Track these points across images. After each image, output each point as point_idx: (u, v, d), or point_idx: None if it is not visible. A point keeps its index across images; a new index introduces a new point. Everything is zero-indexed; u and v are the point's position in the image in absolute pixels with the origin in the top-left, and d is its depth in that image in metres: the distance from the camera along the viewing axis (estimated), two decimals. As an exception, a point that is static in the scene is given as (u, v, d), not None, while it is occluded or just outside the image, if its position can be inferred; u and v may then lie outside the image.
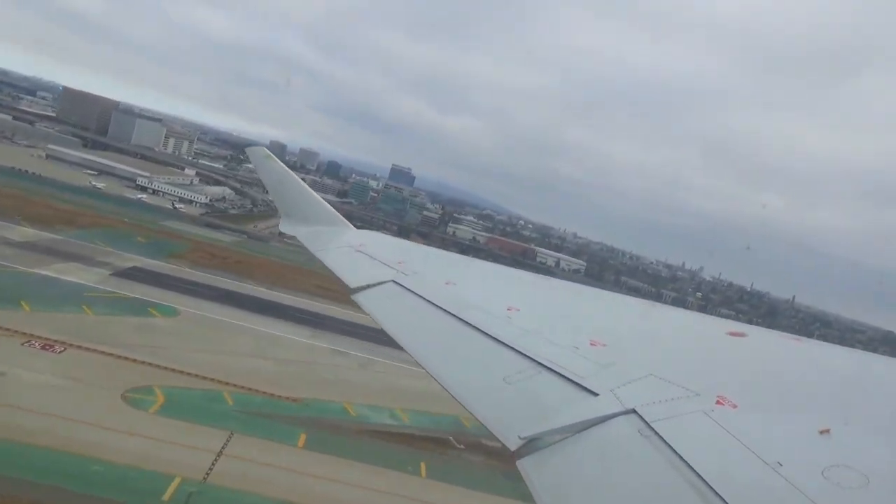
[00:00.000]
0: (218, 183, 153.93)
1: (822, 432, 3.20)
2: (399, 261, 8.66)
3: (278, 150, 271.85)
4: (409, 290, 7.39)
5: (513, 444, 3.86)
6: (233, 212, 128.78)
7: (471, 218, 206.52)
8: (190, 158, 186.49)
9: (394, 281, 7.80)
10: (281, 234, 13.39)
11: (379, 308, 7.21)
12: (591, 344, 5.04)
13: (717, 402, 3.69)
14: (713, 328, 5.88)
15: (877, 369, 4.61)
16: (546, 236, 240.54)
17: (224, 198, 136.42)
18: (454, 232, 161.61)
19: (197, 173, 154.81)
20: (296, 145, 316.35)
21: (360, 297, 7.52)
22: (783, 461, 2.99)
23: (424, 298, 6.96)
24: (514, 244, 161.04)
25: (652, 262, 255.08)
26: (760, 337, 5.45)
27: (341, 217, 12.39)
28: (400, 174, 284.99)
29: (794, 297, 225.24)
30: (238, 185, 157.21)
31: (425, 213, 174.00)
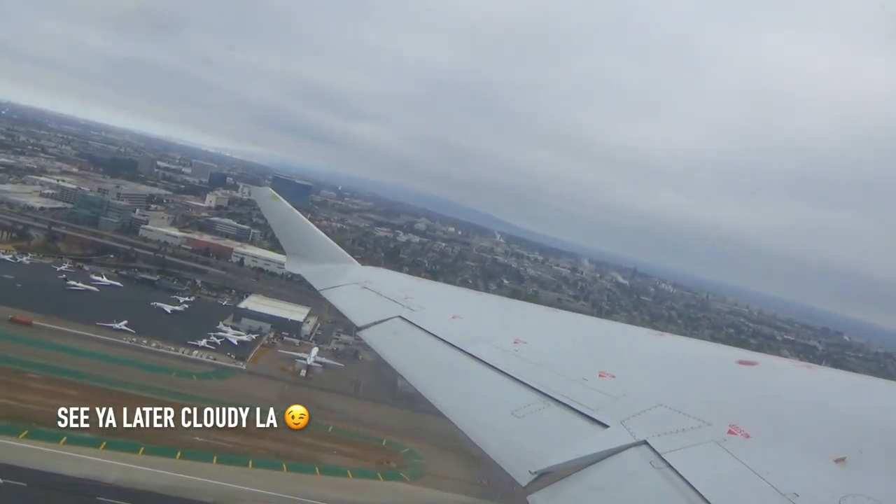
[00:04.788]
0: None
1: (837, 461, 3.14)
2: (405, 296, 8.60)
3: (149, 163, 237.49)
4: (415, 325, 7.40)
5: (523, 479, 3.82)
6: None
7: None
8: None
9: (400, 317, 7.76)
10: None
11: (385, 344, 7.23)
12: (600, 375, 4.97)
13: (730, 432, 3.60)
14: (722, 357, 5.82)
15: (891, 396, 4.53)
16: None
17: None
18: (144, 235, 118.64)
19: None
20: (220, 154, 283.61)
21: (366, 335, 7.57)
22: (799, 492, 2.92)
23: (431, 333, 6.98)
24: (210, 243, 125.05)
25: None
26: (771, 365, 5.44)
27: (347, 254, 12.49)
28: (285, 183, 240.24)
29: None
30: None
31: (134, 216, 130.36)
